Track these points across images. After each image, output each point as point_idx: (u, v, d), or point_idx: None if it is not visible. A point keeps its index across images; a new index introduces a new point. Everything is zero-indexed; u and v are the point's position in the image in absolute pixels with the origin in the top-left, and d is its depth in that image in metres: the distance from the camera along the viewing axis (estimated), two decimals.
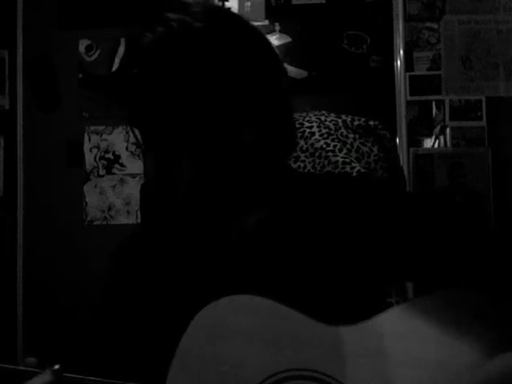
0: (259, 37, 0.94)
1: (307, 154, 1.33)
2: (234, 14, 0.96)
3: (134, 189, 2.73)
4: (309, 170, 1.32)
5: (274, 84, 0.92)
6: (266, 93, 0.91)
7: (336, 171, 1.29)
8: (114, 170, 2.78)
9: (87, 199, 2.77)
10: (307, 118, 1.39)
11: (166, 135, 0.88)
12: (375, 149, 1.36)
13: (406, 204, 0.95)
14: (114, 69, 2.73)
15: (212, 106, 0.87)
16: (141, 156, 0.97)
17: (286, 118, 0.96)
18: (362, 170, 1.29)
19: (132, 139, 0.97)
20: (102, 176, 2.78)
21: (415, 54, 2.67)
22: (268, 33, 2.71)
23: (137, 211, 2.73)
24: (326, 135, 1.34)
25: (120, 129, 2.73)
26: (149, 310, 0.95)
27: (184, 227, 0.96)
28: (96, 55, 2.80)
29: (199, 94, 0.86)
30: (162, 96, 0.86)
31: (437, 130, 2.70)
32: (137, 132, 0.92)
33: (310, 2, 2.73)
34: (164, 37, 0.87)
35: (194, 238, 0.96)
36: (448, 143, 2.66)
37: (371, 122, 1.40)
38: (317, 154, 1.33)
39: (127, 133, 2.70)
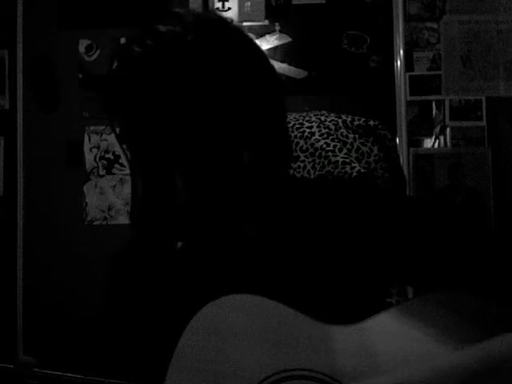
0: (253, 48, 0.92)
1: (307, 153, 1.33)
2: (228, 24, 0.92)
3: None
4: (309, 170, 1.32)
5: (268, 94, 0.91)
6: (261, 102, 0.89)
7: (336, 171, 1.29)
8: (114, 170, 2.77)
9: (87, 199, 2.77)
10: (307, 118, 1.39)
11: (158, 152, 0.86)
12: (375, 149, 1.36)
13: (406, 206, 0.95)
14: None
15: (205, 120, 0.86)
16: (130, 170, 0.94)
17: (282, 127, 0.95)
18: (362, 170, 1.29)
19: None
20: (102, 176, 2.78)
21: (415, 54, 2.67)
22: (268, 33, 2.71)
23: None
24: (325, 135, 1.34)
25: None
26: (148, 311, 0.95)
27: (180, 235, 0.95)
28: (96, 55, 2.80)
29: (190, 108, 0.85)
30: (152, 111, 0.85)
31: (437, 129, 2.70)
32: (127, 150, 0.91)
33: (310, 2, 2.73)
34: (154, 50, 0.85)
35: (192, 241, 0.96)
36: (448, 143, 2.66)
37: (371, 122, 1.39)
38: (317, 154, 1.32)
39: None
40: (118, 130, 0.90)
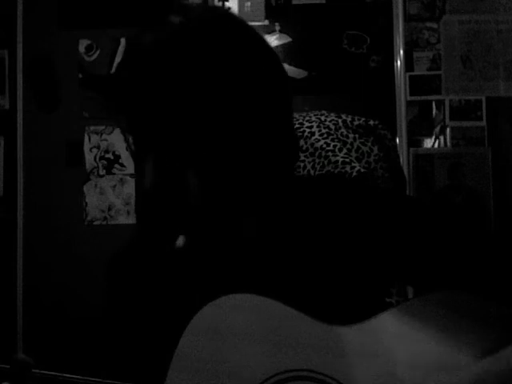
0: (261, 43, 0.92)
1: (307, 153, 1.33)
2: (239, 19, 0.91)
3: (133, 189, 2.73)
4: (309, 170, 1.32)
5: (279, 91, 0.91)
6: (269, 97, 0.89)
7: (336, 171, 1.29)
8: (114, 170, 2.78)
9: (87, 199, 2.77)
10: (307, 118, 1.39)
11: (169, 143, 0.85)
12: (375, 148, 1.36)
13: (406, 206, 0.95)
14: (112, 71, 2.74)
15: (217, 111, 0.84)
16: (135, 162, 0.93)
17: (289, 123, 0.95)
18: (362, 170, 1.29)
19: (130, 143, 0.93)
20: (102, 176, 2.78)
21: (415, 54, 2.68)
22: (268, 33, 2.71)
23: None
24: (325, 135, 1.34)
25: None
26: (148, 311, 0.95)
27: (183, 229, 0.95)
28: (96, 55, 2.80)
29: (202, 98, 0.84)
30: (163, 101, 0.84)
31: (437, 129, 2.70)
32: (131, 140, 0.90)
33: (310, 2, 2.73)
34: (166, 40, 0.84)
35: (194, 236, 0.96)
36: (448, 143, 2.66)
37: (371, 122, 1.39)
38: (317, 154, 1.32)
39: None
40: (122, 123, 0.89)
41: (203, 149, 0.85)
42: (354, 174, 1.28)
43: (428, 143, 2.71)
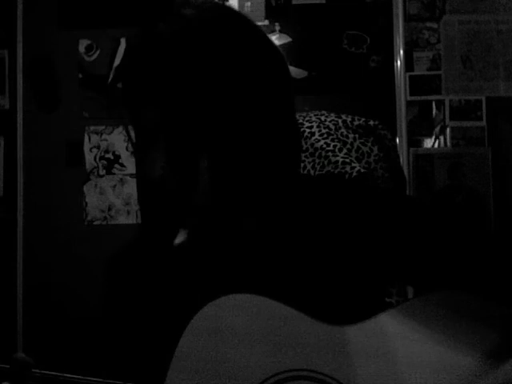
0: (265, 37, 0.93)
1: (307, 153, 1.33)
2: (245, 16, 0.93)
3: (133, 189, 2.73)
4: (309, 170, 1.32)
5: (283, 83, 0.91)
6: (276, 89, 0.90)
7: (336, 171, 1.29)
8: (114, 170, 2.78)
9: (87, 199, 2.77)
10: (307, 118, 1.39)
11: (183, 130, 0.85)
12: (375, 148, 1.36)
13: (406, 206, 0.95)
14: (116, 64, 2.74)
15: (229, 97, 0.85)
16: (138, 157, 0.93)
17: (293, 121, 0.96)
18: (362, 170, 1.29)
19: (132, 139, 0.93)
20: (102, 176, 2.78)
21: (415, 54, 2.68)
22: (268, 33, 2.71)
23: (137, 211, 2.72)
24: (325, 135, 1.34)
25: (120, 129, 2.73)
26: (147, 311, 0.95)
27: (185, 225, 0.95)
28: (96, 55, 2.80)
29: (214, 85, 0.84)
30: (180, 87, 0.84)
31: (437, 129, 2.70)
32: (132, 134, 0.91)
33: (310, 2, 2.73)
34: (182, 29, 0.85)
35: (194, 237, 0.96)
36: (448, 143, 2.66)
37: (371, 122, 1.39)
38: (317, 154, 1.32)
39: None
40: (125, 113, 0.89)
41: (215, 135, 0.85)
42: (354, 174, 1.28)
43: (428, 143, 2.71)
